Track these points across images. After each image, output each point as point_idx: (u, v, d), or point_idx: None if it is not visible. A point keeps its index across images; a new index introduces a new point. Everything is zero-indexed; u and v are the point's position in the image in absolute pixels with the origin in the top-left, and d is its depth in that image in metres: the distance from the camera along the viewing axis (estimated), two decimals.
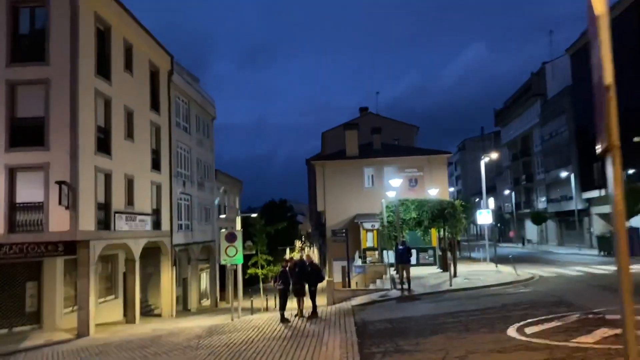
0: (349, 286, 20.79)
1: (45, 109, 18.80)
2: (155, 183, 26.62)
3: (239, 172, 49.70)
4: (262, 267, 34.24)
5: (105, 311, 24.35)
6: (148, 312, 28.69)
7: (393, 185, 20.92)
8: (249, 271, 34.60)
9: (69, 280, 21.33)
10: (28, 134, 18.80)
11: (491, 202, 34.80)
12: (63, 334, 19.64)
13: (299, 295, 16.18)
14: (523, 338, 10.15)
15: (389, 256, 23.90)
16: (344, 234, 23.68)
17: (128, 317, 23.34)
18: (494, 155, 28.68)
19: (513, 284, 19.79)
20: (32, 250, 18.41)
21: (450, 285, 19.28)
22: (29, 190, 18.62)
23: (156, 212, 26.64)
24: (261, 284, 35.48)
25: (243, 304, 27.39)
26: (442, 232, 24.58)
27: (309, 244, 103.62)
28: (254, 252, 35.19)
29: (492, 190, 60.68)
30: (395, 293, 18.90)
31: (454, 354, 9.53)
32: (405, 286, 18.78)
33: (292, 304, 17.38)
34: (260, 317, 19.38)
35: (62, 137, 18.72)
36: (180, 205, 30.50)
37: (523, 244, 56.93)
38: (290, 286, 15.83)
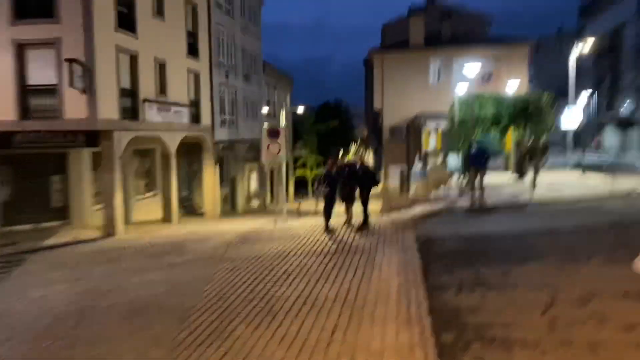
0: (409, 193, 17.83)
1: None
2: (193, 71, 23.75)
3: (295, 75, 46.02)
4: (312, 169, 31.73)
5: (144, 208, 22.76)
6: (193, 211, 27.14)
7: (469, 74, 17.12)
8: (297, 173, 32.26)
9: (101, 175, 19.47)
10: (36, 3, 16.02)
11: (582, 99, 29.97)
12: (91, 231, 18.04)
13: (348, 201, 13.39)
14: None
15: (458, 160, 20.56)
16: (404, 132, 20.34)
17: (165, 216, 21.60)
18: (589, 44, 23.94)
19: (612, 196, 16.19)
20: (50, 140, 16.32)
21: (532, 196, 15.95)
22: (41, 71, 16.20)
23: (195, 104, 24.03)
24: (310, 187, 33.20)
25: (290, 207, 25.16)
26: (520, 133, 20.78)
27: (364, 147, 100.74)
28: (305, 151, 32.64)
29: (566, 96, 54.51)
30: (464, 203, 15.82)
31: (566, 295, 6.52)
32: (477, 195, 15.61)
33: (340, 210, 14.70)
34: (305, 223, 16.95)
35: (74, 7, 15.84)
36: (223, 99, 27.77)
37: (601, 151, 51.56)
38: (338, 190, 13.01)
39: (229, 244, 12.64)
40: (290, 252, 10.68)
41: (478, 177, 15.56)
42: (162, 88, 20.70)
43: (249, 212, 30.87)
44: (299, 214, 25.60)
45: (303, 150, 31.01)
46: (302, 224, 16.52)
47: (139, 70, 18.79)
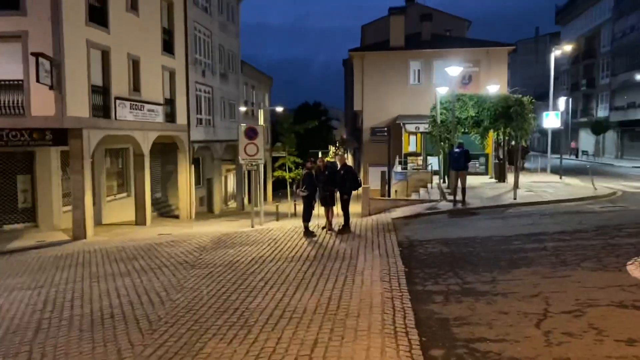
0: (389, 195, 17.48)
1: None
2: (168, 69, 23.07)
3: (274, 75, 45.33)
4: (290, 170, 31.20)
5: (116, 210, 22.02)
6: (167, 212, 26.42)
7: (451, 74, 16.82)
8: (275, 174, 31.67)
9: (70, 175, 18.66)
10: None
11: (561, 103, 30.04)
12: (60, 234, 17.26)
13: (328, 205, 12.93)
14: None
15: (438, 162, 20.29)
16: (385, 132, 19.97)
17: (138, 217, 20.85)
18: (567, 48, 23.96)
19: (593, 199, 16.07)
20: (14, 138, 15.51)
21: (515, 198, 15.71)
22: (6, 66, 15.36)
23: (170, 103, 23.35)
24: (288, 188, 32.67)
25: (268, 209, 24.65)
26: (501, 135, 20.61)
27: (343, 149, 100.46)
28: (282, 154, 32.09)
29: (543, 98, 55.05)
30: (445, 205, 15.50)
31: (559, 305, 6.16)
32: (459, 197, 15.31)
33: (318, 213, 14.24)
34: (283, 226, 16.45)
35: None
36: (199, 98, 27.09)
37: (577, 155, 52.17)
38: (317, 193, 12.53)
39: (203, 248, 12.08)
40: (267, 257, 10.17)
41: (459, 179, 15.27)
42: (136, 85, 19.99)
43: (225, 214, 30.21)
44: (277, 215, 25.09)
45: (281, 150, 30.43)
46: (280, 226, 16.04)
47: (111, 66, 18.06)
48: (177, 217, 25.38)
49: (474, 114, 18.55)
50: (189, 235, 15.69)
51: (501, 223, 12.72)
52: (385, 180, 17.60)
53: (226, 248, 11.78)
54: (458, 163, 15.02)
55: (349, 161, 42.99)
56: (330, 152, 73.52)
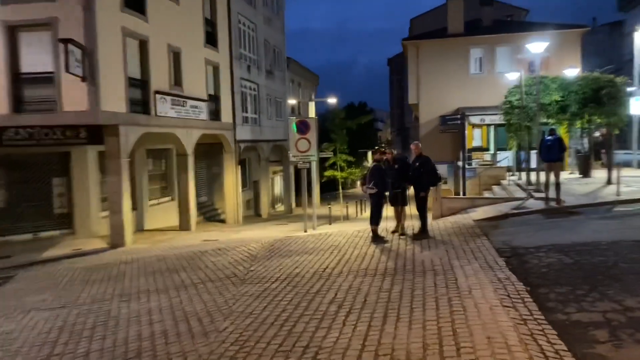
0: (464, 193, 15.21)
1: None
2: (212, 63, 21.52)
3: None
4: (342, 170, 29.18)
5: (159, 215, 20.60)
6: (213, 217, 24.91)
7: (533, 51, 14.42)
8: (326, 174, 29.74)
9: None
10: None
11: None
12: (97, 242, 15.84)
13: (399, 204, 10.84)
14: None
15: (515, 156, 17.88)
16: (458, 120, 17.63)
17: (181, 222, 19.31)
18: None
19: None
20: (46, 136, 14.14)
21: (618, 194, 13.15)
22: (36, 57, 14.03)
23: (214, 99, 21.78)
24: (340, 189, 30.63)
25: (319, 212, 22.72)
26: (585, 124, 17.94)
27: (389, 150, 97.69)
28: (331, 152, 30.11)
29: None
30: (535, 204, 13.11)
31: None
32: (552, 194, 12.89)
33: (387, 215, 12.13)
34: (341, 229, 14.46)
35: None
36: (244, 95, 25.48)
37: None
38: (387, 190, 10.44)
39: (254, 258, 10.20)
40: (333, 270, 8.17)
41: (553, 173, 12.87)
42: (177, 80, 18.47)
43: (273, 217, 28.50)
44: (329, 219, 23.14)
45: (331, 148, 28.46)
46: (337, 230, 14.02)
47: (149, 58, 16.57)
48: (223, 221, 23.81)
49: (559, 98, 16.04)
50: (237, 241, 13.90)
51: (617, 224, 10.28)
52: (459, 177, 15.38)
53: (281, 257, 9.86)
54: (551, 154, 12.62)
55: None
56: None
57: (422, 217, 10.25)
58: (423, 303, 5.86)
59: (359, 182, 11.23)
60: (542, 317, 5.13)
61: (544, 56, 26.34)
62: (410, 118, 64.27)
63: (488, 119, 23.49)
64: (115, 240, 14.80)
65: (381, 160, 10.35)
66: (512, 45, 26.15)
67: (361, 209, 31.46)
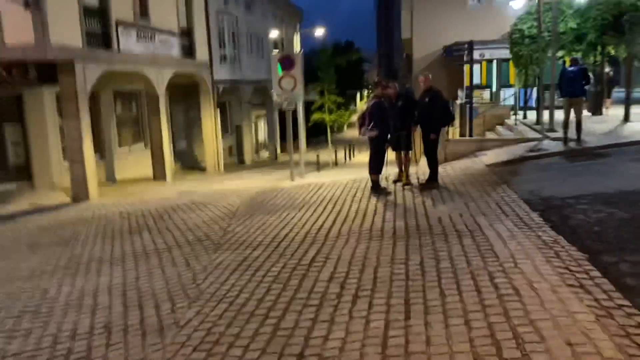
0: (471, 135, 13.62)
1: None
2: None
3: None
4: (330, 112, 27.32)
5: (132, 163, 18.77)
6: (193, 165, 23.13)
7: None
8: (314, 117, 27.87)
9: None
10: None
11: None
12: (60, 195, 14.12)
13: (402, 149, 9.23)
14: None
15: (521, 94, 16.24)
16: (465, 50, 15.75)
17: (155, 172, 17.58)
18: None
19: None
20: None
21: None
22: None
23: (187, 34, 19.57)
24: (329, 134, 28.88)
25: (306, 158, 21.08)
26: (598, 56, 16.21)
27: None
28: (318, 93, 28.17)
29: None
30: (552, 145, 11.59)
31: None
32: (572, 134, 11.36)
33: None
34: (332, 179, 12.92)
35: None
36: (222, 29, 23.18)
37: None
38: (390, 132, 8.78)
39: (233, 214, 8.63)
40: (329, 231, 6.63)
41: (574, 110, 11.29)
42: (143, 9, 16.26)
43: (258, 165, 26.87)
44: (317, 166, 21.59)
45: (318, 89, 26.49)
46: (328, 180, 12.46)
47: None
48: (204, 169, 22.12)
49: (575, 26, 14.24)
50: (215, 193, 12.30)
51: None
52: (465, 116, 13.76)
53: (264, 214, 8.29)
54: (573, 87, 10.97)
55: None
56: (365, 96, 69.02)
57: (432, 163, 8.67)
58: (456, 282, 4.34)
59: (355, 122, 9.52)
60: (629, 304, 3.65)
61: None
62: (398, 57, 61.73)
63: (488, 54, 21.63)
64: (77, 193, 13.11)
65: (383, 96, 8.63)
66: None
67: (350, 154, 29.91)
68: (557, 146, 11.28)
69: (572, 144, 11.23)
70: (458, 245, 5.33)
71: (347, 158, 28.74)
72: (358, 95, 41.31)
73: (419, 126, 8.89)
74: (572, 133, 11.42)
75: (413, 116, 8.92)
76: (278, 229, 7.09)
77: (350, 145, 30.57)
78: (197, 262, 5.96)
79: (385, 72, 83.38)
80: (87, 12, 13.39)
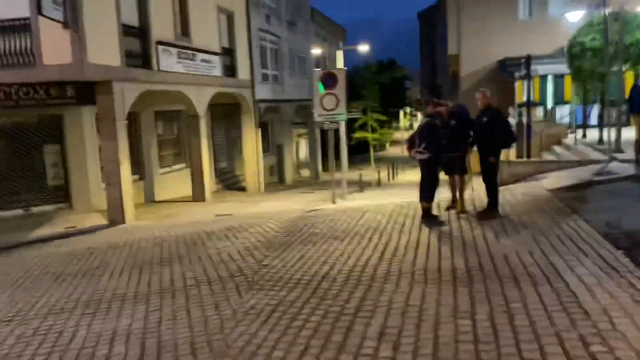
0: (529, 156, 12.60)
1: None
2: (225, 11, 18.97)
3: None
4: (373, 130, 26.55)
5: (172, 183, 18.51)
6: (234, 184, 22.77)
7: None
8: (355, 135, 27.16)
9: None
10: None
11: None
12: (97, 217, 13.83)
13: (457, 172, 8.36)
14: None
15: (581, 111, 15.09)
16: (522, 65, 14.72)
17: (195, 192, 17.20)
18: None
19: None
20: (25, 96, 11.97)
21: None
22: (7, 1, 11.73)
23: (228, 53, 19.32)
24: (372, 153, 28.08)
25: (348, 177, 20.36)
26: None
27: (416, 112, 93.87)
28: (360, 112, 27.47)
29: None
30: (621, 167, 10.46)
31: None
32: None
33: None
34: (377, 202, 12.12)
35: None
36: (264, 48, 22.90)
37: None
38: (443, 155, 7.93)
39: (270, 243, 7.93)
40: (375, 268, 5.82)
41: None
42: (184, 29, 16.03)
43: (298, 184, 26.32)
44: (360, 186, 20.84)
45: (361, 107, 25.82)
46: (372, 203, 11.65)
47: (149, 1, 14.12)
48: (244, 189, 21.69)
49: None
50: (253, 217, 11.68)
51: None
52: (523, 135, 12.74)
53: (304, 244, 7.56)
54: None
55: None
56: (408, 115, 67.91)
57: (492, 189, 7.76)
58: (539, 348, 3.47)
59: (405, 142, 8.74)
60: None
61: None
62: (442, 75, 60.56)
63: (542, 69, 20.50)
64: (113, 216, 12.76)
65: (436, 115, 7.82)
66: None
67: (393, 173, 29.01)
68: (628, 169, 10.14)
69: None
70: (534, 294, 4.44)
71: (391, 177, 27.84)
72: (401, 113, 40.49)
73: (475, 147, 8.01)
74: None
75: (468, 136, 8.06)
76: (318, 264, 6.34)
77: (393, 164, 29.68)
78: (227, 305, 5.26)
79: (428, 90, 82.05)
80: (126, 31, 13.17)
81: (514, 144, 9.93)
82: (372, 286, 5.21)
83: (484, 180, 7.82)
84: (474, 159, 8.14)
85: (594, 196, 8.61)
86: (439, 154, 7.66)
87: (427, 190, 7.74)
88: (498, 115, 7.73)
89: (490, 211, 7.73)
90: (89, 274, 7.61)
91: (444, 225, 7.49)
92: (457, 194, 8.38)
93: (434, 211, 8.09)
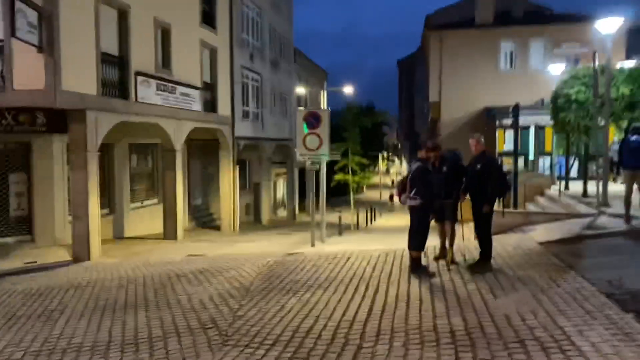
0: (515, 206, 12.32)
1: None
2: (208, 46, 18.72)
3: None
4: (354, 173, 26.27)
5: (143, 219, 17.75)
6: (208, 222, 22.02)
7: (603, 31, 11.57)
8: (336, 177, 26.83)
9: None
10: None
11: None
12: (60, 252, 13.00)
13: (446, 219, 7.94)
14: None
15: (565, 163, 14.98)
16: (511, 115, 14.61)
17: (166, 230, 16.44)
18: None
19: None
20: None
21: None
22: None
23: (210, 88, 18.95)
24: (352, 196, 27.72)
25: (327, 219, 19.84)
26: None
27: (394, 157, 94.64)
28: (339, 156, 27.21)
29: None
30: (610, 222, 10.21)
31: None
32: (634, 212, 9.98)
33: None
34: (357, 245, 11.62)
35: None
36: (246, 86, 22.65)
37: None
38: (435, 201, 7.51)
39: (246, 290, 7.31)
40: (363, 323, 5.27)
41: (636, 183, 9.97)
42: (165, 61, 15.67)
43: (275, 224, 25.67)
44: (339, 228, 20.33)
45: (342, 149, 25.60)
46: (355, 248, 11.12)
47: (130, 32, 13.73)
48: (218, 228, 20.94)
49: (628, 92, 13.17)
50: (228, 259, 11.01)
51: None
52: (508, 185, 12.45)
53: (283, 293, 6.96)
54: (638, 158, 9.70)
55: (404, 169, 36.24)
56: (385, 160, 68.17)
57: (485, 240, 7.33)
58: None
59: (396, 190, 8.25)
60: None
61: (583, 52, 23.51)
62: (420, 121, 61.27)
63: (523, 120, 20.61)
64: (78, 251, 11.94)
65: (429, 160, 7.44)
66: (549, 39, 23.26)
67: (372, 217, 28.60)
68: (618, 224, 9.87)
69: (636, 223, 9.82)
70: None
71: (369, 221, 27.43)
72: (380, 157, 40.62)
73: (467, 195, 7.63)
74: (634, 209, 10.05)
75: (460, 183, 7.69)
76: (300, 317, 5.75)
77: (372, 208, 29.33)
78: None
79: (405, 135, 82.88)
80: (104, 59, 12.70)
81: (508, 193, 9.58)
82: (361, 348, 4.64)
83: (476, 230, 7.41)
84: (465, 207, 7.76)
85: (589, 251, 8.26)
86: (431, 200, 7.23)
87: (417, 238, 7.26)
88: (493, 162, 7.41)
89: (483, 264, 7.28)
90: (44, 317, 6.88)
91: (434, 277, 7.00)
92: (447, 242, 7.93)
93: (423, 261, 7.61)
